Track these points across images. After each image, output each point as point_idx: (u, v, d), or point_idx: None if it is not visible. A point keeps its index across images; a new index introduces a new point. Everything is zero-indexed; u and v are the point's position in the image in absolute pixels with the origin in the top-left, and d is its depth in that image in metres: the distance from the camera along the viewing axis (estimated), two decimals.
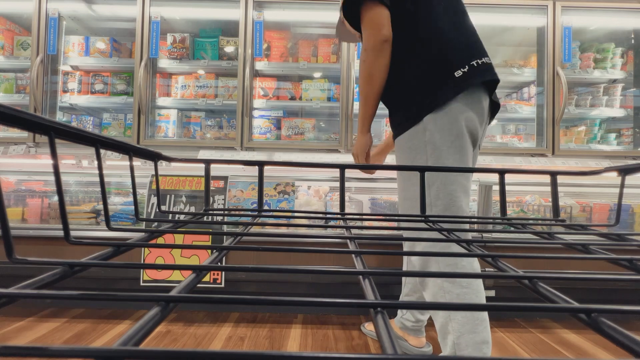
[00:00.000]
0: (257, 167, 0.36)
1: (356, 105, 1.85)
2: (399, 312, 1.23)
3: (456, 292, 0.86)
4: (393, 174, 1.86)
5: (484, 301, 0.89)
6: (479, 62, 0.90)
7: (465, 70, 0.88)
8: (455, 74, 0.88)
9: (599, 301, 1.47)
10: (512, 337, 1.32)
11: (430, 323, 1.40)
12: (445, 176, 0.89)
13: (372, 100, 0.96)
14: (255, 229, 1.40)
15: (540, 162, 1.78)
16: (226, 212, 0.38)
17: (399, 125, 0.96)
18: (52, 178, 1.58)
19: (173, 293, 0.17)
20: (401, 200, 0.99)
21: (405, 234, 0.95)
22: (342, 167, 0.36)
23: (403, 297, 1.23)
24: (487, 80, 0.91)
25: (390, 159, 1.79)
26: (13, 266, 1.35)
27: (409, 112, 0.92)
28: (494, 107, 0.99)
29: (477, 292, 0.87)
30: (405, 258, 1.16)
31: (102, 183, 0.26)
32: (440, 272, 0.20)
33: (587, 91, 2.00)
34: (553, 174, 0.37)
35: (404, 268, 1.26)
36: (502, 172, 0.36)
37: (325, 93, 1.99)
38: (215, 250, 0.24)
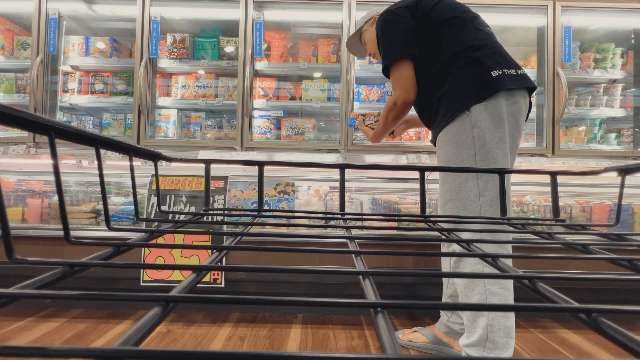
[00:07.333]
0: (257, 167, 0.36)
1: (356, 105, 1.87)
2: (444, 316, 1.18)
3: (499, 292, 0.94)
4: (393, 174, 1.86)
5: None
6: (513, 72, 0.98)
7: (500, 73, 0.96)
8: (492, 73, 0.96)
9: (599, 301, 1.47)
10: None
11: None
12: (492, 166, 0.95)
13: (390, 129, 1.20)
14: (255, 229, 1.40)
15: (540, 162, 1.77)
16: (226, 212, 0.38)
17: (442, 118, 1.01)
18: (52, 178, 1.58)
19: (173, 293, 0.17)
20: (451, 200, 1.00)
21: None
22: (342, 167, 0.36)
23: (447, 299, 1.21)
24: (526, 87, 0.99)
25: (389, 160, 1.79)
26: (13, 266, 1.35)
27: (452, 103, 0.98)
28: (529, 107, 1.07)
29: (510, 290, 0.97)
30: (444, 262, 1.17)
31: (102, 183, 0.26)
32: (446, 272, 0.20)
33: (587, 91, 2.00)
34: (553, 174, 0.37)
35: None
36: (501, 172, 0.36)
37: (325, 93, 1.99)
38: (215, 250, 0.24)
